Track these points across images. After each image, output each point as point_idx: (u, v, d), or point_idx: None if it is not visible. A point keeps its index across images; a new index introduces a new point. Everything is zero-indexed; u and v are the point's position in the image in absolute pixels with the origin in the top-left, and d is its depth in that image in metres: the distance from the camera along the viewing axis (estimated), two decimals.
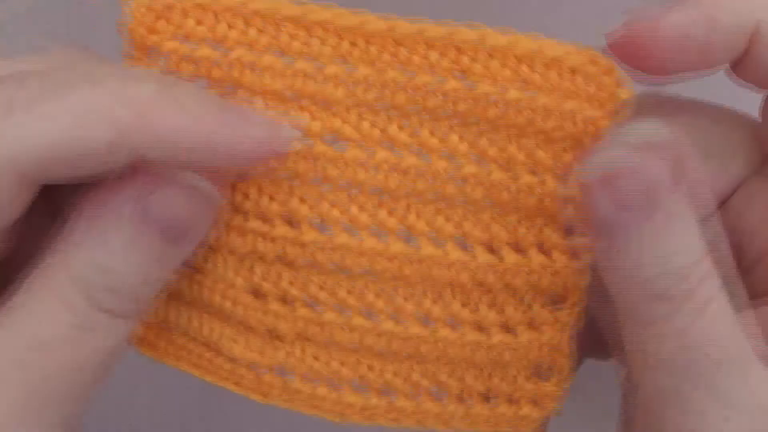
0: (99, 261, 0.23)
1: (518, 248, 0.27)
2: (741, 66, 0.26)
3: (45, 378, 0.23)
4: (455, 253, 0.26)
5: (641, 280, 0.23)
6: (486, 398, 0.28)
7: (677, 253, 0.23)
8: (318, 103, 0.26)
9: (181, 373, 0.46)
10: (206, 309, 0.28)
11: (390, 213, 0.26)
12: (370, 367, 0.28)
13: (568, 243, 0.27)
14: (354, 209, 0.26)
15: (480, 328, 0.27)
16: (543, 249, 0.27)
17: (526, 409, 0.28)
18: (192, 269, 0.28)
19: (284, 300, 0.27)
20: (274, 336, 0.27)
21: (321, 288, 0.27)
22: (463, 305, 0.27)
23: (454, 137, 0.26)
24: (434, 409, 0.28)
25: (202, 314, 0.28)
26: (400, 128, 0.26)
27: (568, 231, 0.27)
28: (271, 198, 0.26)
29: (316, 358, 0.27)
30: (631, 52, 0.25)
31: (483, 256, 0.27)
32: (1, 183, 0.22)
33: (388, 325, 0.27)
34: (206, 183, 0.24)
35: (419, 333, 0.27)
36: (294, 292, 0.27)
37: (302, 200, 0.26)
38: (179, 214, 0.24)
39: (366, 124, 0.26)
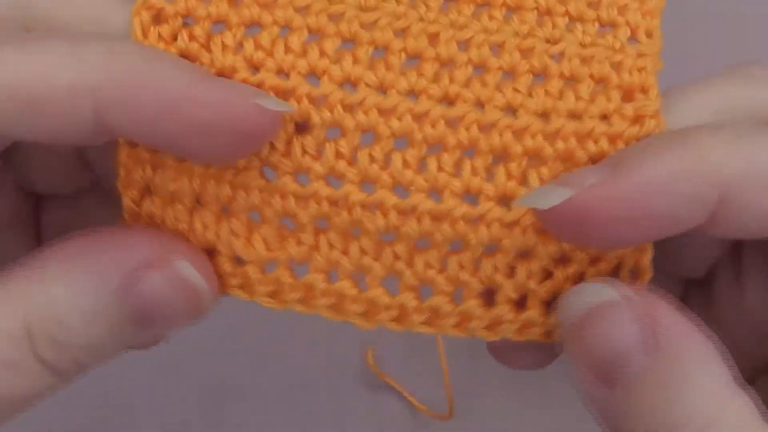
0: (60, 311, 0.22)
1: (574, 115, 0.24)
2: (706, 227, 0.22)
3: None
4: (502, 117, 0.23)
5: None
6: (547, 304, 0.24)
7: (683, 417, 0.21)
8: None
9: (181, 373, 0.46)
10: (200, 205, 0.24)
11: (421, 74, 0.23)
12: (400, 257, 0.24)
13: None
14: (381, 67, 0.23)
15: None
16: (604, 116, 0.24)
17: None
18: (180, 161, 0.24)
19: (300, 178, 0.24)
20: (284, 225, 0.24)
21: (343, 159, 0.23)
22: (511, 179, 0.23)
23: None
24: (477, 311, 0.24)
25: (192, 213, 0.24)
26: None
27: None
28: (288, 50, 0.23)
29: (334, 246, 0.24)
30: (570, 225, 0.22)
31: (527, 118, 0.23)
32: None
33: (425, 204, 0.23)
34: (200, 278, 0.23)
35: (463, 212, 0.23)
36: (314, 166, 0.23)
37: (322, 53, 0.23)
38: (160, 301, 0.22)
39: None
